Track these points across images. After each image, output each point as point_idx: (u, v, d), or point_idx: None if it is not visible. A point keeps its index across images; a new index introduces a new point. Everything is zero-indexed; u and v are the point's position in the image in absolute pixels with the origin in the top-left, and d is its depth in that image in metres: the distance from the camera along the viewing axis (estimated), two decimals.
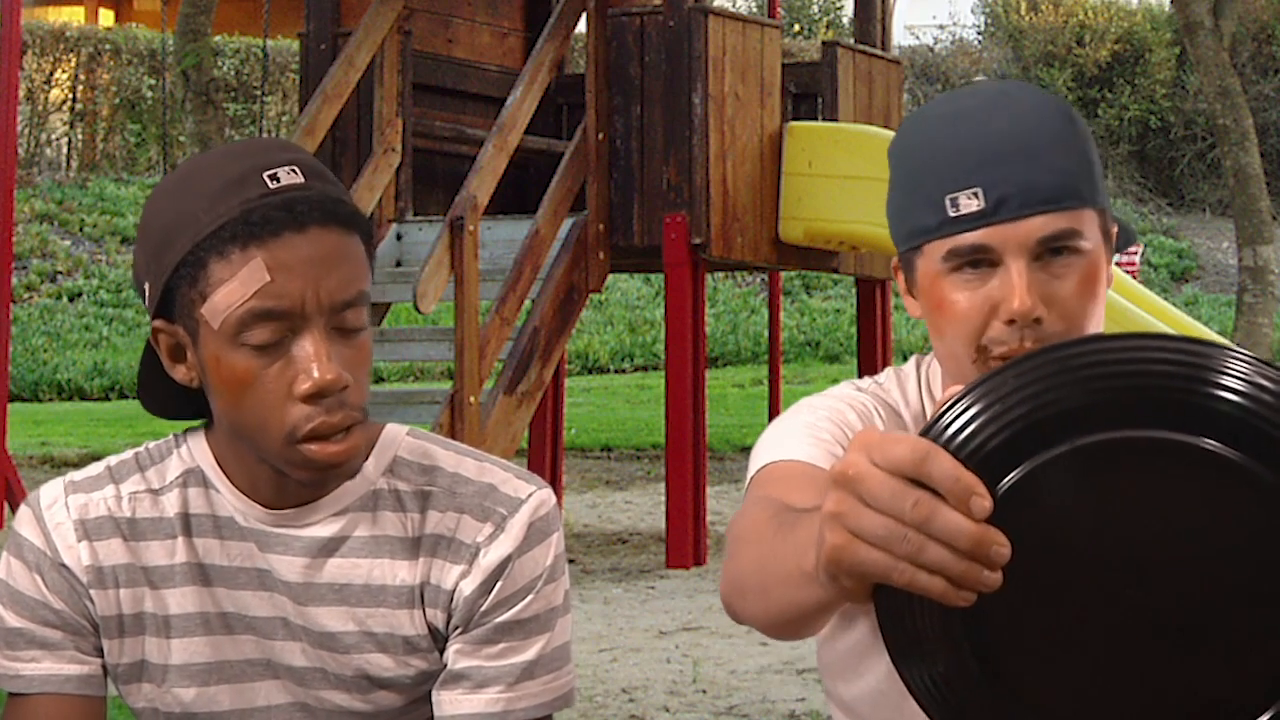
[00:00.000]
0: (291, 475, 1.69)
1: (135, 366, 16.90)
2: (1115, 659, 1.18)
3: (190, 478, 1.79)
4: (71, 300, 19.70)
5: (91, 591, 1.77)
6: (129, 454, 1.83)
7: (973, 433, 1.13)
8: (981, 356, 1.72)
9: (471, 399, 7.60)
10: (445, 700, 1.76)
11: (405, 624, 1.76)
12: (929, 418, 1.15)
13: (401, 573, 1.76)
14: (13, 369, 15.35)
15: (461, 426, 7.54)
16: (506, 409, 7.89)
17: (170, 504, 1.78)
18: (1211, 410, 1.14)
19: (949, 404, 1.14)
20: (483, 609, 1.75)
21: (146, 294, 1.72)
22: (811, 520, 1.17)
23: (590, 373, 18.94)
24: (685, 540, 8.41)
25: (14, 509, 9.34)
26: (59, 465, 12.38)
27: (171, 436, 1.83)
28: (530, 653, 1.76)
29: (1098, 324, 1.74)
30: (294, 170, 1.67)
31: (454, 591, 1.75)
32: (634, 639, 6.71)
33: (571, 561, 8.52)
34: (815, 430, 1.75)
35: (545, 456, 10.01)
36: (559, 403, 10.33)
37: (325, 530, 1.76)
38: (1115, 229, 1.80)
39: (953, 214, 1.70)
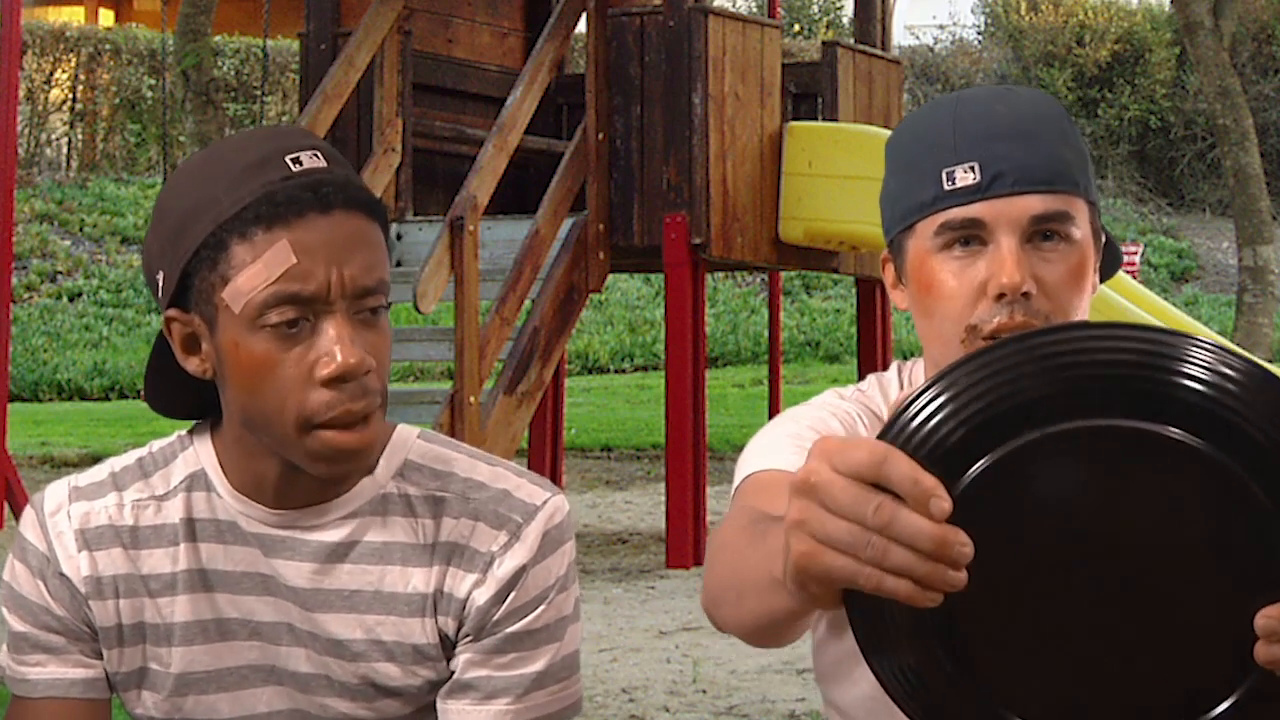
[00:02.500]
0: (308, 469, 1.66)
1: (135, 366, 16.83)
2: (1084, 648, 1.19)
3: (194, 481, 1.76)
4: (71, 300, 19.70)
5: (90, 602, 1.75)
6: (133, 457, 1.79)
7: (934, 427, 1.14)
8: (971, 336, 1.72)
9: (471, 399, 7.60)
10: (452, 710, 1.73)
11: (416, 632, 1.73)
12: (890, 412, 1.16)
13: (414, 580, 1.73)
14: (13, 369, 15.35)
15: (461, 426, 7.54)
16: (506, 409, 7.89)
17: (173, 510, 1.76)
18: (1175, 398, 1.14)
19: (910, 399, 1.14)
20: (495, 618, 1.72)
21: (160, 283, 1.68)
22: (781, 528, 1.18)
23: (590, 373, 18.93)
24: (685, 540, 8.40)
25: (14, 509, 9.33)
26: (59, 465, 12.38)
27: (176, 437, 1.79)
28: (540, 663, 1.73)
29: (1083, 316, 1.74)
30: (316, 154, 1.65)
31: (467, 600, 1.72)
32: (634, 639, 6.71)
33: None
34: (799, 440, 1.75)
35: (545, 456, 10.01)
36: (559, 403, 10.33)
37: (334, 534, 1.73)
38: (1104, 237, 1.80)
39: (948, 187, 1.71)
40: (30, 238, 20.13)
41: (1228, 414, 1.14)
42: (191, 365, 1.70)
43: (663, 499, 9.02)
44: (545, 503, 1.74)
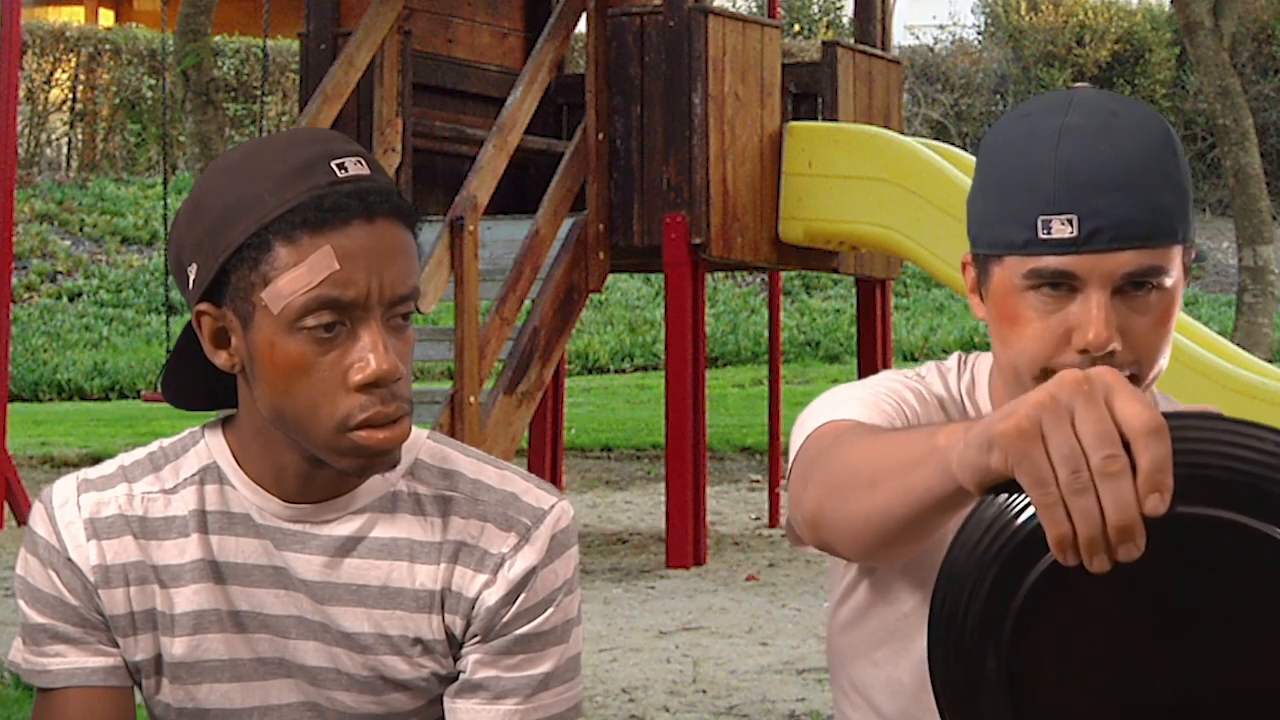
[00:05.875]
0: (335, 464, 1.68)
1: (135, 366, 16.80)
2: None
3: (207, 474, 1.77)
4: (71, 300, 19.70)
5: (99, 591, 1.77)
6: (143, 452, 1.81)
7: None
8: (1044, 378, 1.70)
9: (471, 399, 7.60)
10: (461, 709, 1.76)
11: (423, 628, 1.76)
12: None
13: (421, 576, 1.75)
14: (13, 369, 15.36)
15: (461, 426, 7.54)
16: (506, 409, 7.89)
17: (183, 502, 1.77)
18: None
19: None
20: (504, 620, 1.75)
21: (192, 276, 1.69)
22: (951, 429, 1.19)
23: (590, 373, 18.94)
24: (685, 540, 8.41)
25: (14, 509, 9.34)
26: (59, 465, 12.38)
27: (188, 433, 1.81)
28: (547, 664, 1.76)
29: (1166, 358, 1.74)
30: (360, 161, 1.67)
31: (476, 600, 1.75)
32: (634, 639, 6.71)
33: None
34: (875, 400, 1.74)
35: (545, 456, 10.01)
36: (559, 403, 10.33)
37: (343, 529, 1.75)
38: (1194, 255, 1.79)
39: (1043, 235, 1.69)
40: (30, 238, 20.13)
41: None
42: (220, 359, 1.71)
43: (663, 499, 9.02)
44: (552, 507, 1.77)
